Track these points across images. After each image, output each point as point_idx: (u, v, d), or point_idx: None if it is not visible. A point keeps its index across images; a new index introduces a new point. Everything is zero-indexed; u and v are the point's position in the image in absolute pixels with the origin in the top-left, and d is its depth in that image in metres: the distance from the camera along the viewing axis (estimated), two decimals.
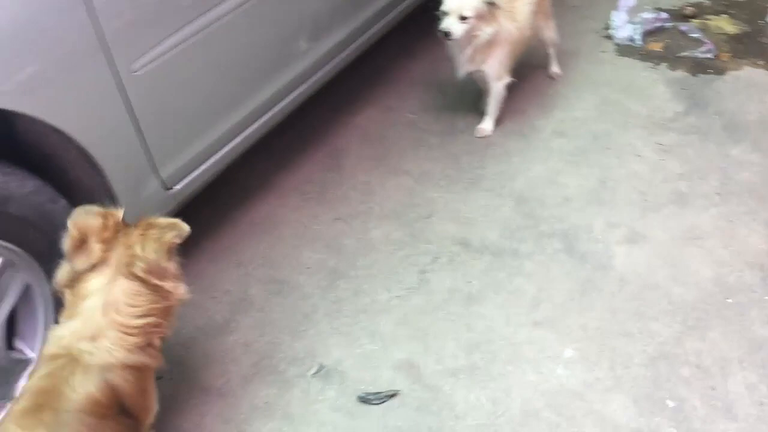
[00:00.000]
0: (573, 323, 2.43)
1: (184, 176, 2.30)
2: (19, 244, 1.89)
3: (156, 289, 1.74)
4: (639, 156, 3.10)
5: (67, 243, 1.72)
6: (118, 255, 1.72)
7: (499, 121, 3.31)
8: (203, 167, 2.34)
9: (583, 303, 2.50)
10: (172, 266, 1.80)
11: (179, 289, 1.80)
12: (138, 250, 1.72)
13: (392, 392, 2.27)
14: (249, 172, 3.07)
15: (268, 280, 2.66)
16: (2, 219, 1.83)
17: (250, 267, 2.71)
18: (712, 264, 2.59)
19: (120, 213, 1.81)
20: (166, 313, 1.80)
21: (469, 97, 3.40)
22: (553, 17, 3.43)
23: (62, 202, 1.98)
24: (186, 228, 1.81)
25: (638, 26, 3.83)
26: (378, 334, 2.45)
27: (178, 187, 2.30)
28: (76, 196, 2.03)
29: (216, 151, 2.37)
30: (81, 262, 1.71)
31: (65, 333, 1.69)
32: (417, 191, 3.01)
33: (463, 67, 3.11)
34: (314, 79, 2.81)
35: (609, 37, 3.88)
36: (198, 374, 2.36)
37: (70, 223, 1.72)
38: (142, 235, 1.75)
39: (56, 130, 1.85)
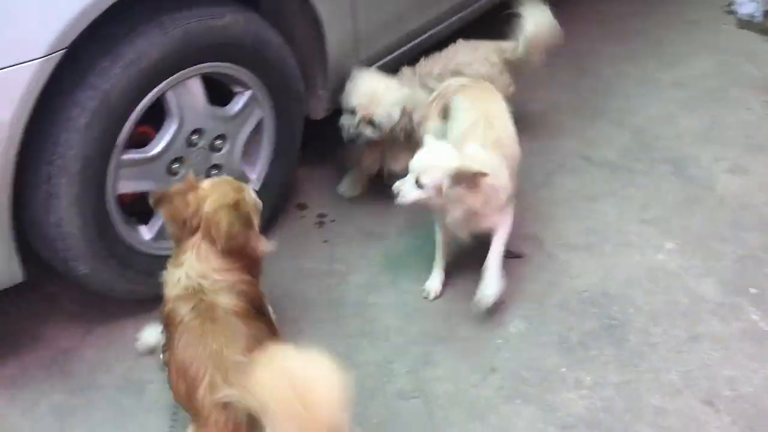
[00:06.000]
0: (676, 225, 2.90)
1: (378, 60, 2.87)
2: (265, 83, 2.50)
3: (238, 251, 1.98)
4: (749, 108, 3.52)
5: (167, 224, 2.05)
6: (203, 225, 1.98)
7: (621, 70, 3.79)
8: (392, 56, 2.92)
9: (685, 212, 2.96)
10: (248, 234, 2.00)
11: (261, 247, 2.06)
12: (219, 226, 1.95)
13: (518, 253, 2.79)
14: None
15: None
16: (261, 59, 2.43)
17: None
18: None
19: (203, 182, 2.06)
20: (253, 262, 2.04)
21: None
22: None
23: (294, 61, 2.58)
24: (257, 201, 2.09)
25: (760, 3, 4.18)
26: None
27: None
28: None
29: (406, 43, 2.94)
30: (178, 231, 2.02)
31: (181, 276, 1.97)
32: (548, 115, 3.52)
33: None
34: None
35: (731, 12, 4.26)
36: None
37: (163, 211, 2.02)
38: (222, 207, 1.97)
39: None
